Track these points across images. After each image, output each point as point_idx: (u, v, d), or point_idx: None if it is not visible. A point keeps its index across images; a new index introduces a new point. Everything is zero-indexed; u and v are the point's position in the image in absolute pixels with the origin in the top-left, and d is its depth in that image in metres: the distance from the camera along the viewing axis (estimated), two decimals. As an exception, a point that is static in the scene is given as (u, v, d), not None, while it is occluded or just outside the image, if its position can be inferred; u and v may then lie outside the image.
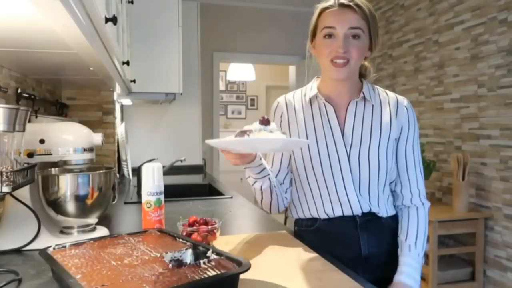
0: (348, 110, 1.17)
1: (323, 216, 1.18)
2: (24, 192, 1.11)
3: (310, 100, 1.21)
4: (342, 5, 1.08)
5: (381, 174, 1.15)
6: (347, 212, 1.15)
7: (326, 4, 1.11)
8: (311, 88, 1.22)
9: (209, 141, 0.96)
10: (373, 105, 1.18)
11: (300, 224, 1.26)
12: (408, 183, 1.19)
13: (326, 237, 1.17)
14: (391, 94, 1.22)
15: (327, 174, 1.15)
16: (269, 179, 1.17)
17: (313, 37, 1.16)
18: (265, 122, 0.95)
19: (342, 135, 1.16)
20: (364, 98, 1.17)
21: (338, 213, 1.16)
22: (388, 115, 1.17)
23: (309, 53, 1.20)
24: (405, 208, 1.19)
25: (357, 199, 1.14)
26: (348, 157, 1.15)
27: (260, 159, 1.12)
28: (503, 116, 2.60)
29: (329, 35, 1.09)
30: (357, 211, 1.15)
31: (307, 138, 1.18)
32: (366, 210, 1.15)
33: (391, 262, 1.17)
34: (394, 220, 1.20)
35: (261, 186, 1.17)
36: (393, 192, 1.22)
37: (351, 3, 1.08)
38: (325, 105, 1.19)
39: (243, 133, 0.94)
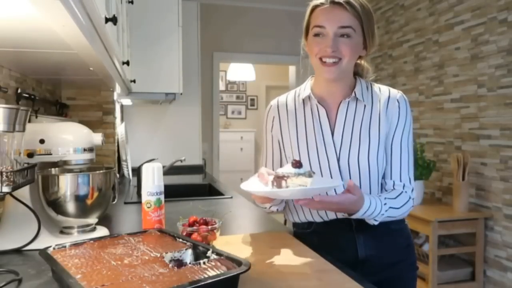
0: (339, 111, 1.16)
1: (318, 219, 1.18)
2: (24, 192, 1.11)
3: (303, 101, 1.19)
4: (333, 2, 1.06)
5: (372, 176, 1.13)
6: (341, 215, 1.14)
7: (318, 2, 1.09)
8: (305, 88, 1.21)
9: (246, 188, 0.98)
10: (365, 105, 1.15)
11: (298, 226, 1.26)
12: (390, 173, 1.14)
13: (322, 240, 1.16)
14: (384, 91, 1.18)
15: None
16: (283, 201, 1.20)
17: (307, 35, 1.15)
18: (298, 165, 0.95)
19: (332, 137, 1.15)
20: (356, 98, 1.15)
21: (332, 216, 1.15)
22: (378, 116, 1.14)
23: (304, 52, 1.18)
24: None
25: None
26: (338, 160, 1.13)
27: None
28: (503, 116, 2.60)
29: (319, 34, 1.08)
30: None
31: (297, 141, 1.17)
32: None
33: (391, 263, 1.17)
34: (391, 221, 1.18)
35: (277, 209, 1.22)
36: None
37: (341, 1, 1.05)
38: (317, 107, 1.17)
39: (280, 178, 0.94)
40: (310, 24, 1.12)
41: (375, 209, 1.05)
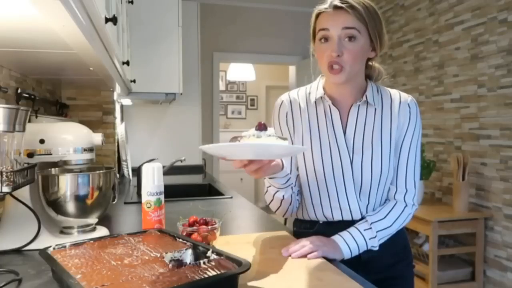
0: (350, 114, 1.15)
1: (321, 218, 1.18)
2: (24, 192, 1.11)
3: (316, 101, 1.18)
4: (335, 7, 1.06)
5: (382, 180, 1.13)
6: (347, 217, 1.15)
7: (322, 7, 1.10)
8: (317, 87, 1.19)
9: (203, 147, 0.93)
10: (375, 109, 1.15)
11: (299, 225, 1.25)
12: (396, 178, 1.15)
13: None
14: (395, 95, 1.18)
15: (329, 180, 1.14)
16: (291, 188, 1.14)
17: (314, 40, 1.14)
18: (261, 127, 0.90)
19: (345, 139, 1.14)
20: (367, 102, 1.14)
21: (338, 217, 1.15)
22: (390, 120, 1.15)
23: (313, 54, 1.17)
24: (388, 200, 1.17)
25: (357, 205, 1.13)
26: (351, 163, 1.13)
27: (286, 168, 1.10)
28: (503, 116, 2.60)
29: (325, 38, 1.07)
30: (357, 216, 1.14)
31: (311, 141, 1.15)
32: (365, 215, 1.14)
33: (391, 263, 1.17)
34: None
35: (283, 196, 1.13)
36: None
37: (343, 5, 1.05)
38: (330, 108, 1.16)
39: (235, 138, 0.91)
40: (316, 29, 1.12)
41: (359, 245, 1.08)
